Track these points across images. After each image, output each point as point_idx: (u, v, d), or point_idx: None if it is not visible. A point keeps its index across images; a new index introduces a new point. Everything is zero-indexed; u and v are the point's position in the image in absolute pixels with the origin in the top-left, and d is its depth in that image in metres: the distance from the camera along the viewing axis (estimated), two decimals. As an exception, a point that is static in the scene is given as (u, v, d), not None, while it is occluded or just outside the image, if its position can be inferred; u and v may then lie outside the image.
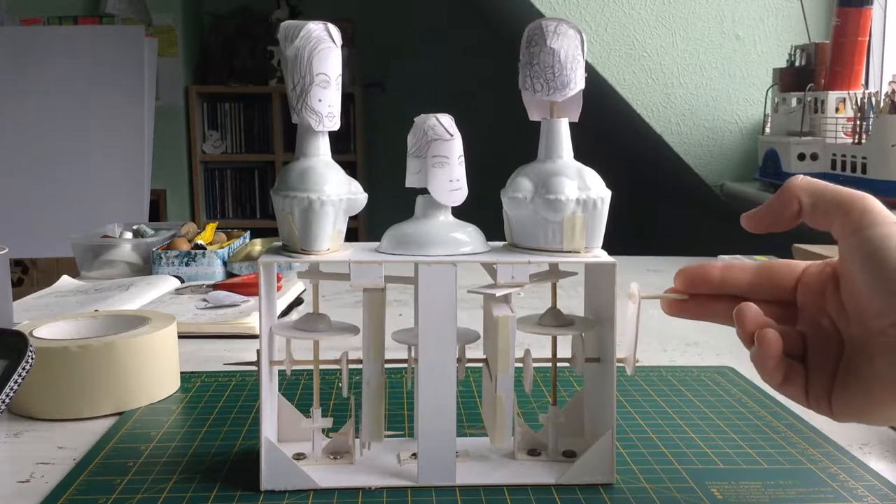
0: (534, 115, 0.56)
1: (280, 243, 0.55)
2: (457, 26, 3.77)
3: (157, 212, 3.55)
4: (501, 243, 0.57)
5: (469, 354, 0.56)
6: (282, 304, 1.03)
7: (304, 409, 0.59)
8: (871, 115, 1.24)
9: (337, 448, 0.57)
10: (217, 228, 1.39)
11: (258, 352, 0.54)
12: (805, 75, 1.47)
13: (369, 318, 0.54)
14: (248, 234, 1.41)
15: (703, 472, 0.56)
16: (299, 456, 0.56)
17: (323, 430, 0.57)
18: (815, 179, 0.47)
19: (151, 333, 0.70)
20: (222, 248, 1.25)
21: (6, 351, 0.59)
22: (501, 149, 2.86)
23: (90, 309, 0.97)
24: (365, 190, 0.56)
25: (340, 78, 0.54)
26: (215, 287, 1.09)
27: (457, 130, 0.53)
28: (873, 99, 1.25)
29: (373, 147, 3.82)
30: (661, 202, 2.55)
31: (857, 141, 1.28)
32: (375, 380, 0.54)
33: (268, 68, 3.61)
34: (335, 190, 0.53)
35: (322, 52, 0.52)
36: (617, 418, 0.55)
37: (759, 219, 0.50)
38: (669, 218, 2.55)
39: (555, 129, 0.55)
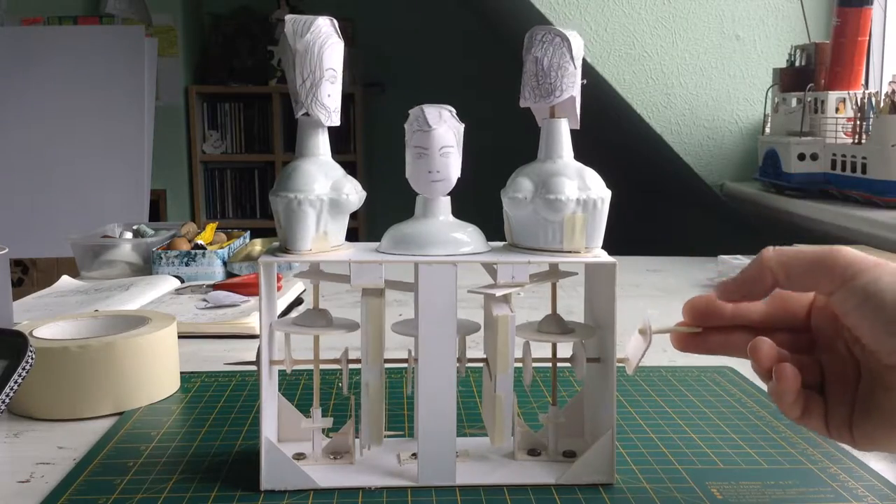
0: (538, 118, 0.56)
1: (279, 243, 0.56)
2: (457, 26, 3.77)
3: (157, 212, 3.55)
4: (501, 243, 0.58)
5: (469, 354, 0.56)
6: (282, 304, 1.03)
7: (304, 409, 0.59)
8: (871, 115, 1.24)
9: (337, 448, 0.57)
10: (217, 228, 1.39)
11: (258, 351, 0.54)
12: (805, 75, 1.47)
13: (368, 322, 0.53)
14: (248, 234, 1.41)
15: (703, 472, 0.56)
16: (299, 456, 0.56)
17: (323, 430, 0.57)
18: (784, 249, 0.47)
19: (151, 333, 0.70)
20: (222, 248, 1.25)
21: (6, 351, 0.59)
22: (502, 149, 2.86)
23: (90, 309, 0.97)
24: (364, 190, 0.56)
25: (342, 73, 0.55)
26: (215, 287, 1.09)
27: (443, 121, 0.53)
28: (873, 99, 1.25)
29: (373, 147, 3.82)
30: (661, 202, 2.55)
31: (857, 141, 1.28)
32: (374, 383, 0.54)
33: (268, 68, 3.61)
34: (315, 190, 0.53)
35: (330, 46, 0.53)
36: (617, 418, 0.55)
37: (733, 292, 0.49)
38: (669, 218, 2.55)
39: (554, 129, 0.55)
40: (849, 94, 1.37)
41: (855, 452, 0.59)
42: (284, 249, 0.54)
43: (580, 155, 0.55)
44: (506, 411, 0.54)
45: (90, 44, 2.79)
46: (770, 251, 0.47)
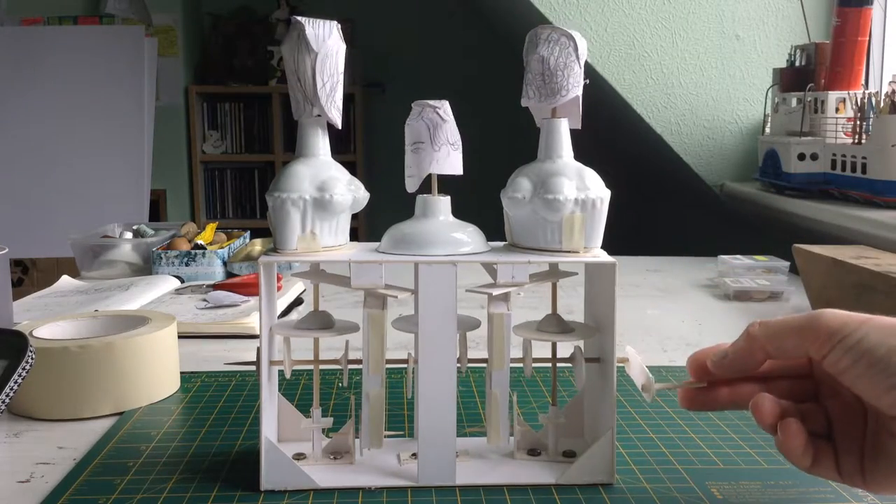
0: (537, 117, 0.56)
1: (275, 243, 0.56)
2: (457, 26, 3.77)
3: (157, 212, 3.55)
4: (502, 243, 0.58)
5: (471, 355, 0.56)
6: (282, 304, 1.03)
7: (304, 409, 0.59)
8: (871, 115, 1.24)
9: (337, 448, 0.57)
10: (217, 228, 1.39)
11: (258, 352, 0.54)
12: (805, 75, 1.47)
13: (370, 333, 0.53)
14: (248, 234, 1.41)
15: (703, 472, 0.56)
16: (299, 456, 0.56)
17: (323, 430, 0.57)
18: (769, 322, 0.47)
19: (151, 333, 0.70)
20: (222, 248, 1.25)
21: (6, 351, 0.59)
22: (502, 149, 2.86)
23: (90, 309, 0.97)
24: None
25: None
26: (215, 287, 1.09)
27: (420, 116, 0.53)
28: (873, 99, 1.25)
29: (373, 147, 3.82)
30: (661, 202, 2.55)
31: (857, 141, 1.28)
32: (375, 392, 0.54)
33: (268, 68, 3.61)
34: (299, 190, 0.53)
35: (342, 51, 0.54)
36: (617, 418, 0.55)
37: (727, 368, 0.49)
38: (669, 218, 2.55)
39: (554, 129, 0.55)
40: (849, 94, 1.36)
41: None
42: (274, 249, 0.54)
43: (580, 155, 0.56)
44: (502, 409, 0.54)
45: (90, 44, 2.79)
46: (755, 326, 0.48)
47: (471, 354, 0.56)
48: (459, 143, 0.54)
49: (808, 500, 0.52)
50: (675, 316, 1.04)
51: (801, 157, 1.37)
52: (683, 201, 2.23)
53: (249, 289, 1.07)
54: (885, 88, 1.36)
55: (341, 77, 0.54)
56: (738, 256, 1.22)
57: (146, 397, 0.70)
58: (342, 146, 3.62)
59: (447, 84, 3.69)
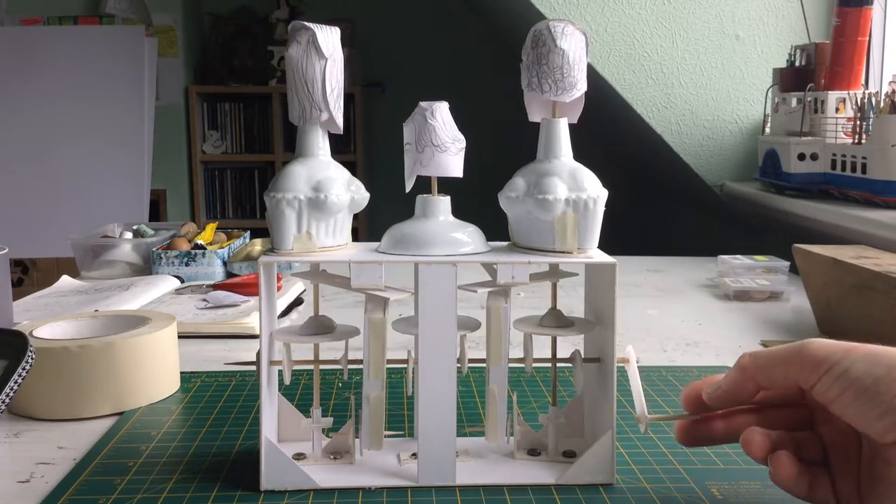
0: (534, 116, 0.56)
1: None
2: (457, 26, 3.77)
3: (157, 212, 3.55)
4: (502, 243, 0.58)
5: (471, 355, 0.56)
6: (282, 304, 1.03)
7: (304, 409, 0.59)
8: (871, 115, 1.24)
9: (337, 448, 0.57)
10: (217, 228, 1.39)
11: (258, 353, 0.54)
12: (805, 75, 1.47)
13: (370, 339, 0.53)
14: (248, 234, 1.41)
15: (703, 472, 0.56)
16: (299, 456, 0.56)
17: (323, 430, 0.57)
18: (759, 353, 0.48)
19: (151, 333, 0.70)
20: (222, 248, 1.25)
21: (6, 351, 0.59)
22: (502, 149, 2.86)
23: (90, 309, 0.97)
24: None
25: None
26: (215, 287, 1.09)
27: (411, 119, 0.54)
28: (873, 99, 1.25)
29: (373, 147, 3.82)
30: (661, 202, 2.55)
31: (857, 141, 1.28)
32: (376, 396, 0.54)
33: (268, 68, 3.61)
34: (294, 190, 0.53)
35: (342, 55, 0.55)
36: (617, 418, 0.55)
37: (722, 400, 0.50)
38: (669, 218, 2.55)
39: (553, 129, 0.55)
40: (849, 94, 1.36)
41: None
42: (272, 249, 0.54)
43: (580, 155, 0.55)
44: (500, 405, 0.54)
45: (90, 44, 2.79)
46: (746, 358, 0.48)
47: (470, 355, 0.56)
48: (450, 145, 0.53)
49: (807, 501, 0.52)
50: (675, 316, 1.04)
51: (801, 157, 1.37)
52: (683, 201, 2.23)
53: (249, 289, 1.07)
54: (885, 88, 1.36)
55: (344, 80, 0.55)
56: (738, 256, 1.22)
57: (146, 397, 0.70)
58: (342, 146, 3.62)
59: (447, 84, 3.69)
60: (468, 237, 0.54)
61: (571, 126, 0.56)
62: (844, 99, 1.37)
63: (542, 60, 0.54)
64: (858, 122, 1.28)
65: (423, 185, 0.55)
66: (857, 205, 1.25)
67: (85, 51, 2.77)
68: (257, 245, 1.33)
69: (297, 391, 0.73)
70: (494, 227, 0.65)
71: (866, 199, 1.23)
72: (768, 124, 1.58)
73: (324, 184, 0.53)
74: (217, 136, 3.73)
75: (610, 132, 2.39)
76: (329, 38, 0.53)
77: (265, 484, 0.53)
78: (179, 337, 0.75)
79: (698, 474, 0.55)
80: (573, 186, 0.53)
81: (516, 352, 0.57)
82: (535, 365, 0.56)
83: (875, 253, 0.94)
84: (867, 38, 1.40)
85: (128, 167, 2.77)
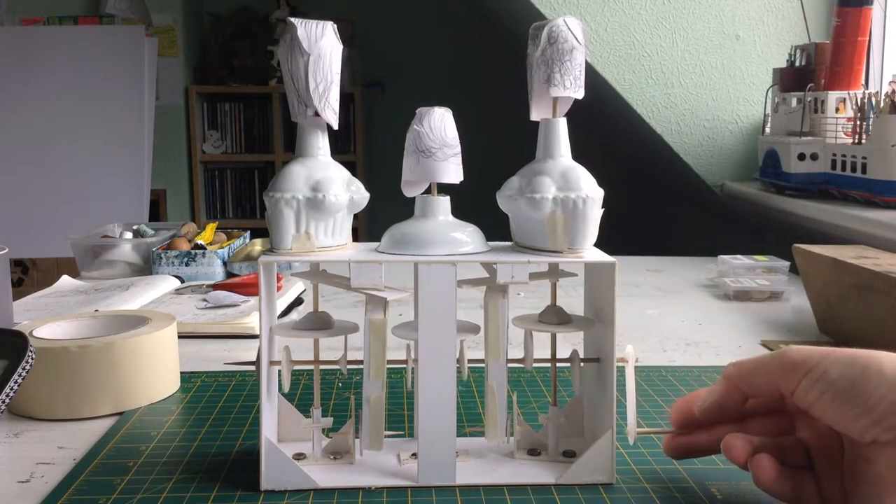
0: (541, 114, 0.56)
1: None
2: (457, 26, 3.77)
3: (157, 212, 3.55)
4: (503, 243, 0.58)
5: (471, 355, 0.56)
6: (282, 304, 1.03)
7: (304, 409, 0.59)
8: (871, 115, 1.24)
9: (337, 448, 0.57)
10: (217, 228, 1.39)
11: (258, 353, 0.54)
12: (805, 75, 1.47)
13: (371, 340, 0.53)
14: (248, 234, 1.41)
15: (703, 472, 0.56)
16: (299, 456, 0.56)
17: (323, 430, 0.57)
18: (743, 362, 0.50)
19: (151, 333, 0.70)
20: (222, 248, 1.25)
21: (6, 351, 0.59)
22: (502, 149, 2.86)
23: (90, 309, 0.97)
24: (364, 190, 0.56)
25: None
26: (215, 287, 1.09)
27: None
28: (873, 99, 1.25)
29: (373, 147, 3.82)
30: (661, 202, 2.55)
31: (857, 141, 1.28)
32: (376, 397, 0.54)
33: (268, 68, 3.61)
34: (292, 190, 0.53)
35: (337, 52, 0.54)
36: (617, 418, 0.55)
37: (710, 412, 0.52)
38: (669, 218, 2.55)
39: (553, 128, 0.55)
40: (849, 94, 1.36)
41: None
42: (271, 249, 0.54)
43: (580, 155, 0.55)
44: (499, 401, 0.54)
45: (90, 44, 2.79)
46: (730, 368, 0.51)
47: (470, 355, 0.56)
48: (435, 150, 0.53)
49: None
50: (675, 316, 1.04)
51: (801, 157, 1.37)
52: (683, 201, 2.23)
53: (249, 289, 1.07)
54: (885, 88, 1.36)
55: (336, 77, 0.54)
56: (738, 256, 1.22)
57: (146, 397, 0.70)
58: (342, 146, 3.62)
59: (447, 84, 3.70)
60: (468, 237, 0.54)
61: (572, 126, 0.56)
62: (844, 99, 1.37)
63: (565, 57, 0.54)
64: (858, 122, 1.28)
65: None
66: (857, 205, 1.25)
67: (85, 51, 2.77)
68: (257, 245, 1.33)
69: (297, 391, 0.73)
70: (494, 227, 0.65)
71: (866, 199, 1.23)
72: (768, 124, 1.58)
73: (322, 184, 0.53)
74: (217, 136, 3.73)
75: (610, 132, 2.39)
76: (313, 33, 0.53)
77: (265, 484, 0.53)
78: (179, 337, 0.75)
79: (698, 474, 0.55)
80: (563, 186, 0.53)
81: (516, 352, 0.57)
82: (535, 365, 0.56)
83: (875, 253, 0.94)
84: (867, 38, 1.40)
85: (128, 167, 2.77)
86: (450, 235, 0.54)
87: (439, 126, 0.53)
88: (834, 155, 1.33)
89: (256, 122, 3.76)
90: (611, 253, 0.55)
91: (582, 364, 0.57)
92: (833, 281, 0.90)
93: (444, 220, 0.55)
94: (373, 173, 3.69)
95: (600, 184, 0.55)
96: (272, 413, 0.57)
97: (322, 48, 0.53)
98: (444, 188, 0.55)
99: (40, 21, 3.33)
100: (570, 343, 0.62)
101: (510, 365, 0.55)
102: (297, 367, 0.56)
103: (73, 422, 0.66)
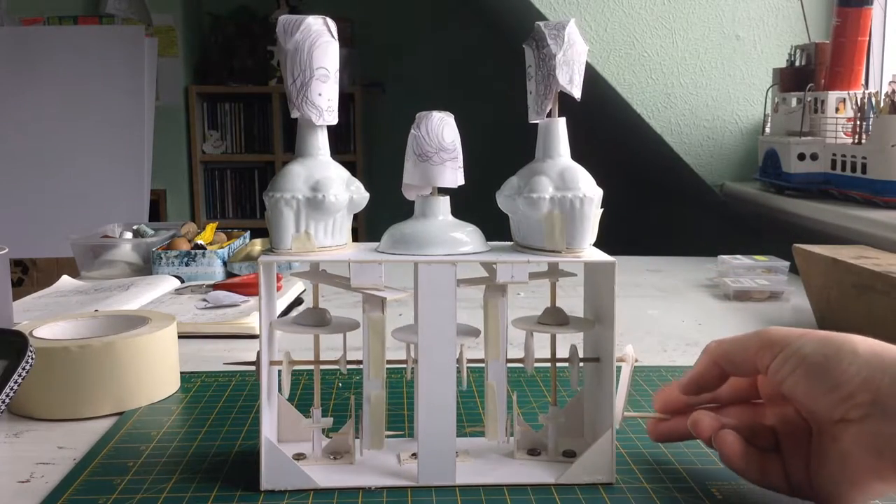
0: (541, 116, 0.56)
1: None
2: (457, 26, 3.77)
3: (157, 212, 3.54)
4: (504, 243, 0.58)
5: (470, 355, 0.56)
6: (282, 304, 1.03)
7: (304, 409, 0.59)
8: (871, 115, 1.24)
9: (337, 448, 0.57)
10: (217, 228, 1.39)
11: (258, 353, 0.54)
12: (805, 75, 1.47)
13: (370, 337, 0.53)
14: (248, 234, 1.41)
15: (703, 472, 0.56)
16: (299, 456, 0.56)
17: (323, 430, 0.57)
18: (724, 339, 0.53)
19: (151, 333, 0.70)
20: (222, 248, 1.25)
21: (6, 351, 0.59)
22: (502, 149, 2.86)
23: (90, 309, 0.97)
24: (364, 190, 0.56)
25: (338, 73, 0.54)
26: (215, 287, 1.09)
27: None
28: (873, 99, 1.25)
29: (373, 147, 3.81)
30: (661, 202, 2.55)
31: (857, 141, 1.28)
32: (376, 395, 0.54)
33: (268, 68, 3.61)
34: (292, 190, 0.53)
35: (321, 45, 0.53)
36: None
37: (692, 386, 0.54)
38: (669, 218, 2.55)
39: (553, 128, 0.55)
40: (849, 94, 1.36)
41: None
42: (271, 249, 0.54)
43: (580, 155, 0.55)
44: (499, 400, 0.54)
45: (90, 44, 2.79)
46: (712, 344, 0.53)
47: (470, 355, 0.56)
48: (432, 154, 0.53)
49: (760, 485, 0.52)
50: (675, 316, 1.04)
51: (801, 157, 1.37)
52: (683, 201, 2.23)
53: (249, 289, 1.07)
54: (885, 88, 1.36)
55: (321, 72, 0.52)
56: (738, 256, 1.22)
57: (146, 397, 0.70)
58: (342, 146, 3.62)
59: (447, 84, 3.70)
60: (467, 237, 0.54)
61: (571, 126, 0.56)
62: (844, 99, 1.37)
63: (578, 59, 0.54)
64: (858, 122, 1.28)
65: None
66: (857, 205, 1.25)
67: (85, 51, 2.77)
68: (257, 245, 1.33)
69: (298, 391, 0.73)
70: (494, 227, 0.65)
71: (866, 199, 1.23)
72: (768, 124, 1.58)
73: (322, 184, 0.53)
74: (217, 136, 3.73)
75: (610, 132, 2.39)
76: (289, 27, 0.52)
77: (265, 484, 0.53)
78: (179, 337, 0.75)
79: (698, 474, 0.55)
80: (560, 185, 0.53)
81: (516, 352, 0.57)
82: (535, 365, 0.56)
83: (875, 253, 0.94)
84: (867, 38, 1.40)
85: (128, 167, 2.77)
86: (449, 235, 0.54)
87: (437, 131, 0.53)
88: (834, 155, 1.33)
89: (256, 122, 3.76)
90: (610, 253, 0.55)
91: (582, 364, 0.57)
92: (833, 281, 0.90)
93: (443, 220, 0.55)
94: (373, 173, 3.69)
95: (600, 184, 0.54)
96: (272, 413, 0.57)
97: (297, 42, 0.52)
98: (444, 188, 0.55)
99: (40, 21, 3.33)
100: (570, 341, 0.62)
101: (510, 365, 0.56)
102: (296, 368, 0.56)
103: (73, 422, 0.66)
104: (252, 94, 3.67)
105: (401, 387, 0.73)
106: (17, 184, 2.74)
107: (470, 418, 0.66)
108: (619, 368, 0.55)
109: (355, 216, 0.57)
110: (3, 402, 0.56)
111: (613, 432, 0.54)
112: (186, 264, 1.21)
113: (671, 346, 0.90)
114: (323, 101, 0.53)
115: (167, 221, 3.29)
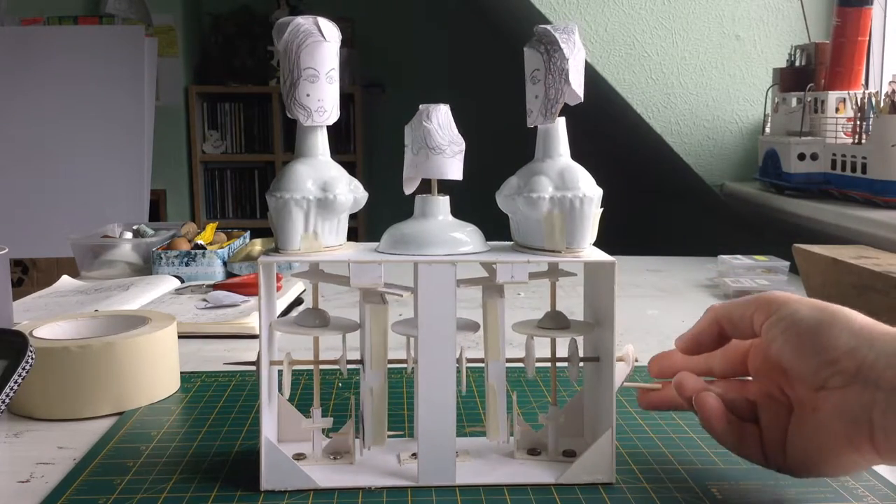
0: (550, 120, 0.56)
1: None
2: (457, 26, 3.77)
3: (157, 212, 3.55)
4: (504, 243, 0.58)
5: (470, 355, 0.56)
6: (282, 304, 1.03)
7: (304, 409, 0.59)
8: (871, 115, 1.24)
9: (337, 448, 0.57)
10: (217, 228, 1.39)
11: (258, 353, 0.54)
12: (805, 75, 1.47)
13: (371, 327, 0.53)
14: (248, 234, 1.41)
15: (703, 472, 0.56)
16: (299, 456, 0.56)
17: (323, 430, 0.57)
18: (726, 301, 0.54)
19: (151, 333, 0.70)
20: (222, 248, 1.25)
21: (6, 351, 0.59)
22: (502, 149, 2.86)
23: (90, 309, 0.97)
24: (364, 190, 0.56)
25: (335, 72, 0.54)
26: (215, 287, 1.09)
27: (410, 122, 0.54)
28: (873, 99, 1.25)
29: (373, 147, 3.82)
30: (661, 202, 2.55)
31: (857, 141, 1.28)
32: (378, 387, 0.54)
33: (268, 68, 3.61)
34: (302, 190, 0.53)
35: (309, 46, 0.52)
36: (617, 418, 0.55)
37: (690, 342, 0.55)
38: (669, 218, 2.55)
39: (553, 128, 0.55)
40: (849, 94, 1.36)
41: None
42: (276, 249, 0.54)
43: (580, 155, 0.55)
44: (500, 400, 0.54)
45: (90, 44, 2.79)
46: (716, 304, 0.54)
47: (470, 354, 0.56)
48: (445, 147, 0.53)
49: (807, 501, 0.52)
50: (675, 316, 1.04)
51: (801, 157, 1.37)
52: (683, 201, 2.23)
53: (249, 289, 1.07)
54: (885, 88, 1.36)
55: (309, 72, 0.52)
56: (738, 256, 1.22)
57: (146, 397, 0.70)
58: (342, 146, 3.62)
59: (447, 84, 3.70)
60: (467, 237, 0.54)
61: (571, 126, 0.56)
62: (844, 99, 1.37)
63: (581, 63, 0.54)
64: (858, 122, 1.28)
65: (424, 185, 0.55)
66: (857, 205, 1.25)
67: (85, 51, 2.77)
68: (257, 245, 1.33)
69: (298, 391, 0.73)
70: (494, 227, 0.65)
71: (866, 199, 1.23)
72: (768, 124, 1.58)
73: (331, 183, 0.53)
74: (217, 136, 3.73)
75: (610, 132, 2.39)
76: (280, 29, 0.53)
77: (265, 484, 0.53)
78: (179, 337, 0.75)
79: (698, 474, 0.55)
80: (560, 185, 0.53)
81: (516, 352, 0.57)
82: (536, 365, 0.56)
83: (875, 253, 0.94)
84: (867, 38, 1.41)
85: (128, 167, 2.76)
86: (449, 235, 0.54)
87: (447, 122, 0.53)
88: (834, 155, 1.33)
89: (256, 122, 3.76)
90: (610, 253, 0.55)
91: (581, 364, 0.57)
92: (833, 281, 0.90)
93: (443, 220, 0.55)
94: (373, 173, 3.69)
95: (599, 184, 0.54)
96: (272, 413, 0.57)
97: (286, 43, 0.52)
98: (443, 188, 0.55)
99: (40, 21, 3.33)
100: (569, 337, 0.62)
101: (510, 365, 0.56)
102: (296, 368, 0.56)
103: (73, 422, 0.66)
104: (252, 94, 3.67)
105: (401, 387, 0.73)
106: (16, 184, 2.74)
107: (470, 418, 0.66)
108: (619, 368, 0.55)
109: (355, 216, 0.57)
110: (3, 402, 0.56)
111: (613, 432, 0.54)
112: (186, 264, 1.21)
113: (671, 346, 0.89)
114: (312, 101, 0.53)
115: (167, 221, 3.29)
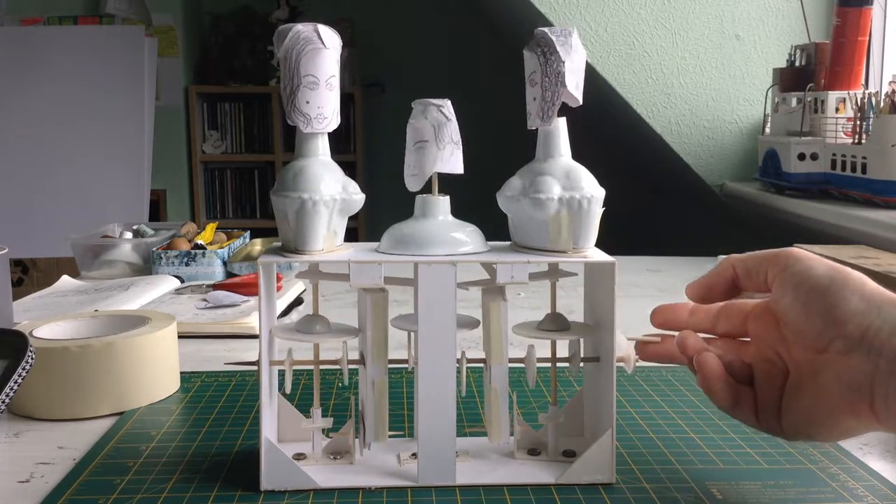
0: (548, 122, 0.56)
1: (279, 243, 0.56)
2: (457, 26, 3.77)
3: (157, 212, 3.55)
4: (503, 243, 0.58)
5: (470, 355, 0.56)
6: (282, 304, 1.03)
7: (304, 409, 0.59)
8: (871, 115, 1.24)
9: (337, 448, 0.57)
10: (217, 228, 1.39)
11: (259, 354, 0.54)
12: (805, 75, 1.47)
13: (372, 320, 0.54)
14: (248, 234, 1.41)
15: (703, 472, 0.56)
16: (299, 456, 0.56)
17: (323, 430, 0.57)
18: (742, 254, 0.54)
19: (151, 333, 0.70)
20: (222, 248, 1.25)
21: (6, 351, 0.59)
22: (502, 149, 2.86)
23: (90, 309, 0.97)
24: (364, 190, 0.56)
25: (335, 79, 0.54)
26: (215, 287, 1.09)
27: (423, 115, 0.53)
28: (873, 99, 1.25)
29: (373, 147, 3.82)
30: (661, 202, 2.55)
31: (857, 141, 1.28)
32: (380, 380, 0.54)
33: (268, 68, 3.61)
34: (328, 190, 0.53)
35: (309, 53, 0.52)
36: (617, 418, 0.55)
37: (698, 288, 0.56)
38: (669, 218, 2.55)
39: (554, 128, 0.55)
40: (849, 94, 1.36)
41: (855, 452, 0.59)
42: (293, 250, 0.54)
43: (580, 155, 0.55)
44: (502, 404, 0.54)
45: (90, 44, 2.79)
46: (732, 255, 0.55)
47: (470, 354, 0.56)
48: (461, 142, 0.54)
49: (808, 500, 0.52)
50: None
51: (801, 157, 1.37)
52: (683, 201, 2.23)
53: (249, 289, 1.07)
54: (885, 88, 1.36)
55: (309, 79, 0.52)
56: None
57: (146, 397, 0.70)
58: (342, 146, 3.63)
59: (447, 84, 3.70)
60: (467, 237, 0.54)
61: (571, 126, 0.56)
62: (844, 99, 1.37)
63: (581, 66, 0.54)
64: (858, 122, 1.28)
65: (424, 185, 0.55)
66: (857, 205, 1.25)
67: (85, 51, 2.77)
68: (257, 245, 1.33)
69: (298, 391, 0.73)
70: (494, 227, 0.65)
71: (866, 199, 1.23)
72: (768, 124, 1.58)
73: (349, 183, 0.54)
74: (217, 136, 3.73)
75: (610, 132, 2.39)
76: (281, 36, 0.53)
77: (265, 484, 0.53)
78: (179, 337, 0.75)
79: (698, 474, 0.56)
80: (567, 186, 0.53)
81: (516, 352, 0.57)
82: (537, 366, 0.56)
83: (875, 253, 0.94)
84: (867, 38, 1.41)
85: (128, 167, 2.76)
86: (450, 235, 0.54)
87: (453, 116, 0.54)
88: (834, 155, 1.33)
89: (256, 122, 3.76)
90: (611, 253, 0.55)
91: (581, 364, 0.57)
92: (833, 281, 0.90)
93: (443, 220, 0.55)
94: (373, 173, 3.69)
95: (600, 183, 0.55)
96: (272, 413, 0.57)
97: (287, 50, 0.52)
98: (443, 188, 0.55)
99: (40, 21, 3.33)
100: (569, 338, 0.62)
101: (510, 365, 0.56)
102: (296, 368, 0.56)
103: (73, 422, 0.66)
104: (252, 94, 3.67)
105: (401, 386, 0.73)
106: (16, 184, 2.74)
107: (470, 418, 0.66)
108: (621, 377, 0.55)
109: (354, 216, 0.57)
110: (3, 402, 0.56)
111: (613, 432, 0.54)
112: (186, 264, 1.21)
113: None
114: (311, 108, 0.53)
115: (167, 221, 3.29)
